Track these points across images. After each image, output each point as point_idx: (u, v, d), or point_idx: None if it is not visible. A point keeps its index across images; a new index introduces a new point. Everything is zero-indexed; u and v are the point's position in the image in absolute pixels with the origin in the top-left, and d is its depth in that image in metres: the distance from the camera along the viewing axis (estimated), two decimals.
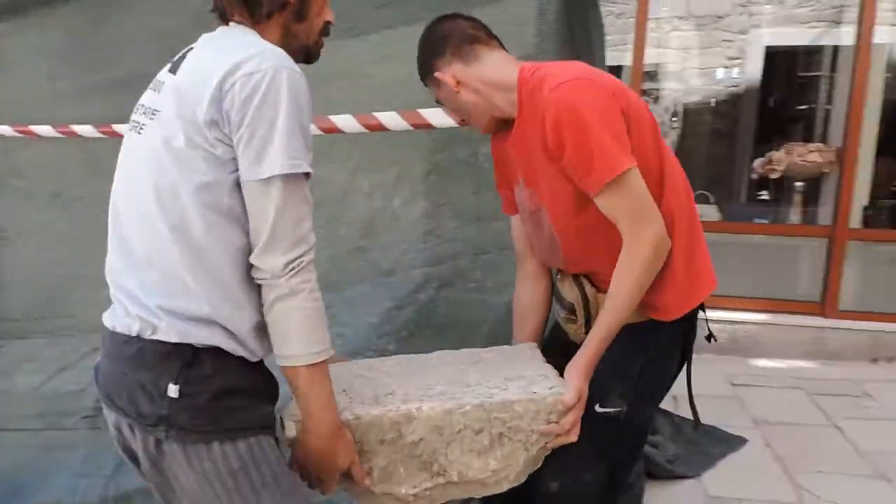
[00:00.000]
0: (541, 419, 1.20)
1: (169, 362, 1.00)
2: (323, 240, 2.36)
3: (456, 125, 2.17)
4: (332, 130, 2.25)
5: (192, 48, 1.09)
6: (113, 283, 1.08)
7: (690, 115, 5.24)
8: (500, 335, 2.27)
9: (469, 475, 1.19)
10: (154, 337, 1.00)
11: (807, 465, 2.61)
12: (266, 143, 0.97)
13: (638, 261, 1.22)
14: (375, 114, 2.21)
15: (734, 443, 2.85)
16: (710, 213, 4.49)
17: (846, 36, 4.62)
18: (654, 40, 5.47)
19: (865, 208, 4.07)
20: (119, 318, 1.04)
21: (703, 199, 4.50)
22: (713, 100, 5.74)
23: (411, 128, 2.23)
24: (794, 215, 4.33)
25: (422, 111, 2.20)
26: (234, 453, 1.01)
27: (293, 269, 0.99)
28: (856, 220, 4.04)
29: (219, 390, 1.01)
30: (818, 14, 5.81)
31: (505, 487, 1.23)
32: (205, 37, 1.11)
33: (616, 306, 1.24)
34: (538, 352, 1.45)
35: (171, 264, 1.00)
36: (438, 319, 2.28)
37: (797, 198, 4.29)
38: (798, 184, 4.28)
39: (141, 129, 1.06)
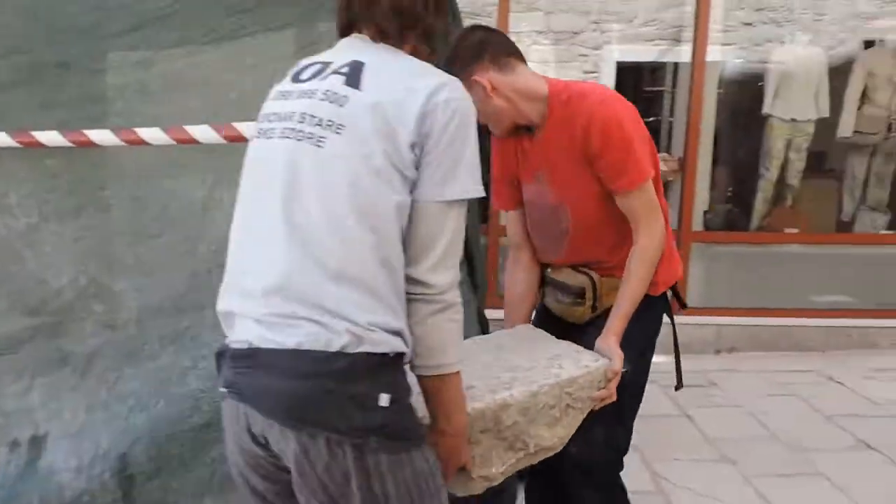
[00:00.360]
0: (594, 387, 1.40)
1: (380, 373, 1.01)
2: (181, 258, 2.25)
3: None
4: (188, 141, 2.12)
5: (358, 61, 1.06)
6: (259, 298, 1.02)
7: None
8: None
9: (543, 444, 1.33)
10: (362, 349, 0.99)
11: (663, 454, 2.80)
12: (456, 167, 1.02)
13: (651, 250, 1.51)
14: (236, 124, 2.11)
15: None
16: None
17: (685, 54, 4.99)
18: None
19: (706, 212, 4.46)
20: (300, 336, 0.98)
21: None
22: None
23: None
24: None
25: None
26: (423, 458, 1.05)
27: (454, 284, 1.06)
28: (698, 223, 4.41)
29: (410, 396, 1.06)
30: (661, 32, 6.27)
31: (560, 448, 1.39)
32: (354, 48, 1.10)
33: (635, 286, 1.50)
34: (542, 331, 1.60)
35: (372, 279, 1.00)
36: None
37: None
38: None
39: (320, 142, 1.01)
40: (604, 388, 1.41)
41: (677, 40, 5.98)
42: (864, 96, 4.47)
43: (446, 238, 1.04)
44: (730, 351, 4.29)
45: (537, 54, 6.52)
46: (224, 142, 2.14)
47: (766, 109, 4.53)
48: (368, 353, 0.99)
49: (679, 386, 1.86)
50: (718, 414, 3.28)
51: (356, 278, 0.99)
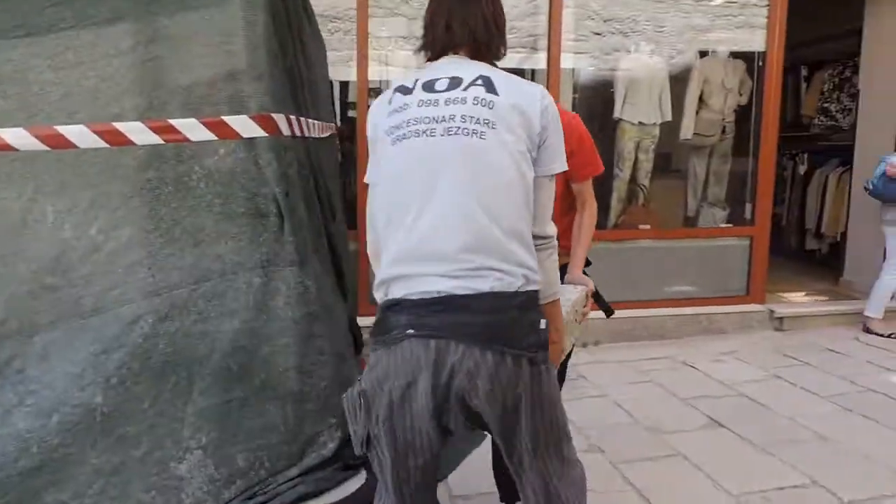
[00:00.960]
0: (581, 305, 1.89)
1: (537, 304, 1.37)
2: None
3: (161, 142, 1.95)
4: (1, 148, 1.88)
5: (483, 75, 1.40)
6: (436, 261, 1.32)
7: None
8: (234, 365, 2.10)
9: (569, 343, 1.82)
10: (529, 288, 1.35)
11: None
12: (557, 150, 1.42)
13: (594, 217, 2.14)
14: (58, 127, 1.89)
15: (475, 439, 3.00)
16: None
17: (542, 61, 5.16)
18: (383, 58, 5.65)
19: None
20: (457, 284, 1.30)
21: None
22: None
23: (106, 145, 1.95)
24: None
25: (118, 125, 1.94)
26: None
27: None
28: None
29: None
30: (520, 40, 6.51)
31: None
32: (463, 64, 1.43)
33: (586, 240, 2.11)
34: None
35: (527, 235, 1.37)
36: (158, 359, 2.03)
37: None
38: None
39: (482, 135, 1.34)
40: (587, 305, 1.93)
41: (534, 48, 6.24)
42: (701, 101, 4.85)
43: (551, 201, 1.44)
44: (596, 344, 4.48)
45: (402, 59, 6.54)
46: (46, 148, 1.91)
47: (616, 114, 4.78)
48: (531, 291, 1.35)
49: (609, 313, 2.34)
50: (587, 405, 3.40)
51: (520, 235, 1.35)
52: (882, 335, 4.45)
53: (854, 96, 5.77)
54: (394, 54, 6.28)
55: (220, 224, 2.03)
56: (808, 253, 6.39)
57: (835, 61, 6.10)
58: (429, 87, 1.39)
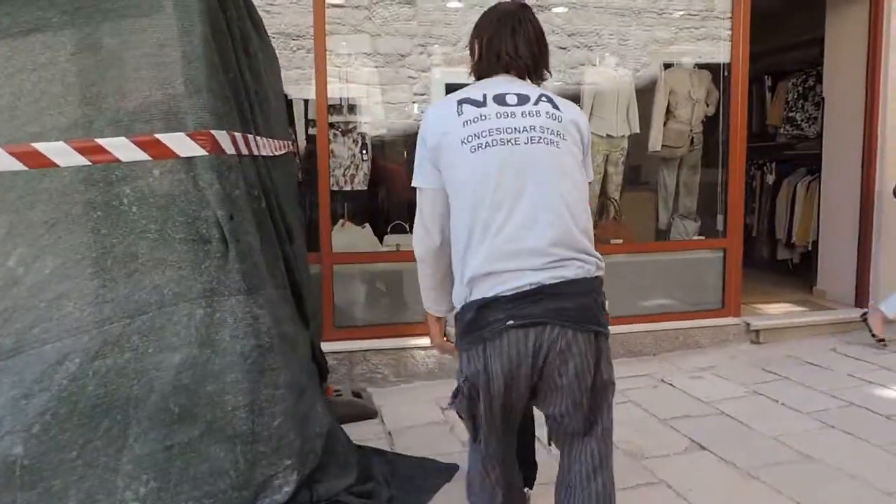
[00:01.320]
0: None
1: (601, 287, 1.62)
2: None
3: (88, 163, 1.77)
4: None
5: (543, 93, 1.62)
6: (526, 257, 1.50)
7: (382, 148, 5.36)
8: (175, 406, 1.90)
9: None
10: (599, 274, 1.61)
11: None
12: (590, 162, 1.69)
13: None
14: None
15: (448, 471, 2.83)
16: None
17: None
18: (346, 75, 5.52)
19: None
20: (547, 275, 1.50)
21: (401, 229, 4.59)
22: (405, 133, 5.96)
23: (25, 167, 1.76)
24: None
25: (38, 146, 1.76)
26: None
27: None
28: None
29: None
30: None
31: None
32: (516, 83, 1.64)
33: None
34: None
35: (591, 230, 1.60)
36: (87, 402, 1.82)
37: None
38: None
39: (558, 145, 1.56)
40: None
41: None
42: (669, 113, 4.80)
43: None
44: None
45: (366, 76, 6.41)
46: None
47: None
48: (601, 276, 1.61)
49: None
50: None
51: (588, 231, 1.58)
52: (873, 335, 4.32)
53: (818, 104, 5.79)
54: (357, 71, 6.15)
55: (156, 251, 1.85)
56: (780, 263, 6.37)
57: (798, 70, 6.12)
58: (501, 100, 1.58)
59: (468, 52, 1.75)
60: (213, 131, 1.88)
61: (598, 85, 4.75)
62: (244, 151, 2.10)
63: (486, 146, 1.52)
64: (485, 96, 1.58)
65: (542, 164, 1.53)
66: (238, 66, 2.18)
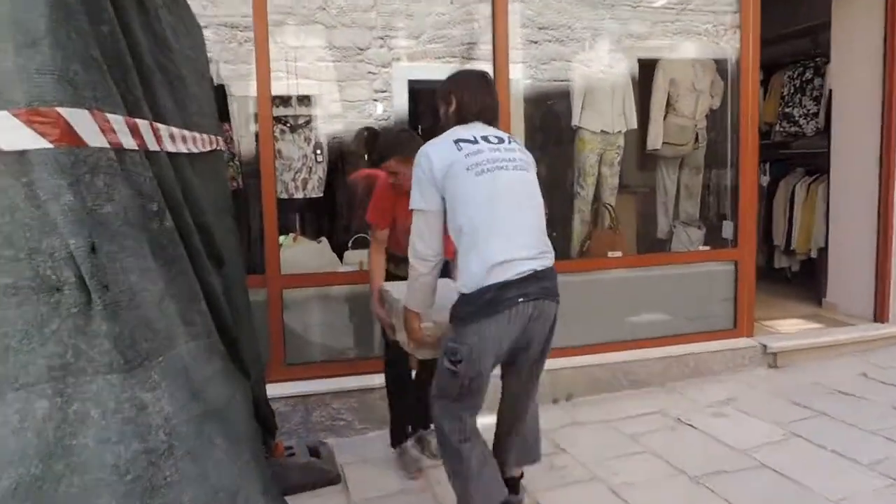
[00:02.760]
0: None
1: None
2: None
3: None
4: None
5: (511, 137, 2.21)
6: (522, 249, 2.03)
7: (340, 150, 4.67)
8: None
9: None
10: (550, 264, 2.10)
11: None
12: None
13: None
14: None
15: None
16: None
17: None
18: (297, 69, 4.88)
19: None
20: (537, 263, 2.04)
21: (364, 243, 3.89)
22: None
23: None
24: None
25: None
26: None
27: None
28: None
29: None
30: (451, 49, 5.82)
31: None
32: (489, 129, 2.18)
33: None
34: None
35: (544, 234, 2.14)
36: None
37: None
38: None
39: (528, 171, 2.16)
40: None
41: (468, 58, 5.56)
42: (669, 106, 4.21)
43: None
44: (568, 398, 3.69)
45: (322, 72, 5.72)
46: None
47: (574, 121, 4.08)
48: (554, 266, 2.14)
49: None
50: (574, 496, 2.59)
51: (543, 235, 2.13)
52: None
53: (818, 99, 5.30)
54: (311, 66, 5.48)
55: None
56: (777, 272, 5.86)
57: (794, 62, 5.62)
58: (487, 140, 2.12)
59: (440, 102, 2.25)
60: (61, 109, 1.15)
61: (590, 75, 4.15)
62: (129, 145, 1.37)
63: (486, 171, 2.05)
64: (475, 137, 2.11)
65: (523, 184, 2.12)
66: (120, 19, 1.44)
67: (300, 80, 4.97)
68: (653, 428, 3.25)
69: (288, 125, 3.56)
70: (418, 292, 2.17)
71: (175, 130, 1.77)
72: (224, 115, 3.72)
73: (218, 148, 2.44)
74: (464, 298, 2.04)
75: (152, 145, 1.53)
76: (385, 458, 3.03)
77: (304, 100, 3.93)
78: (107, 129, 1.27)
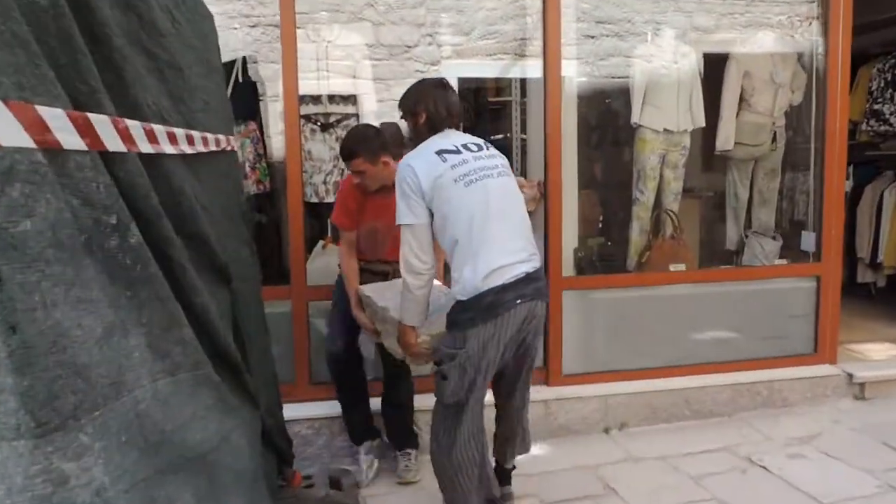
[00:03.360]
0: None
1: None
2: None
3: None
4: None
5: (485, 141, 2.29)
6: (515, 254, 2.11)
7: None
8: None
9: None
10: (539, 265, 2.20)
11: None
12: None
13: None
14: None
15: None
16: None
17: (533, 68, 4.16)
18: (346, 69, 4.71)
19: (576, 250, 3.51)
20: (529, 265, 2.13)
21: None
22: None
23: None
24: None
25: None
26: None
27: None
28: (569, 265, 3.44)
29: None
30: (502, 46, 5.55)
31: None
32: (464, 135, 2.28)
33: None
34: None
35: (532, 236, 2.22)
36: None
37: None
38: None
39: (510, 176, 2.23)
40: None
41: (521, 54, 5.28)
42: (743, 101, 3.76)
43: None
44: (621, 428, 3.31)
45: (369, 70, 5.54)
46: None
47: (634, 119, 3.68)
48: (541, 268, 2.22)
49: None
50: None
51: (530, 238, 2.21)
52: None
53: None
54: (359, 66, 5.32)
55: None
56: (860, 287, 5.27)
57: (884, 54, 5.04)
58: (468, 148, 2.19)
59: (407, 117, 2.30)
60: None
61: (652, 67, 3.75)
62: (73, 144, 1.11)
63: (474, 182, 2.12)
64: (455, 146, 2.18)
65: (509, 190, 2.21)
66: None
67: (346, 79, 4.78)
68: (719, 469, 2.85)
69: (318, 124, 3.30)
70: (414, 307, 2.18)
71: (159, 128, 1.51)
72: (254, 113, 3.51)
73: (230, 148, 2.19)
74: (462, 305, 2.09)
75: (114, 145, 1.27)
76: (414, 490, 2.74)
77: (339, 98, 3.66)
78: (33, 125, 1.01)
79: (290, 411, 2.96)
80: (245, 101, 3.38)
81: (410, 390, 2.93)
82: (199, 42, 1.98)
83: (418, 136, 2.26)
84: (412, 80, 5.75)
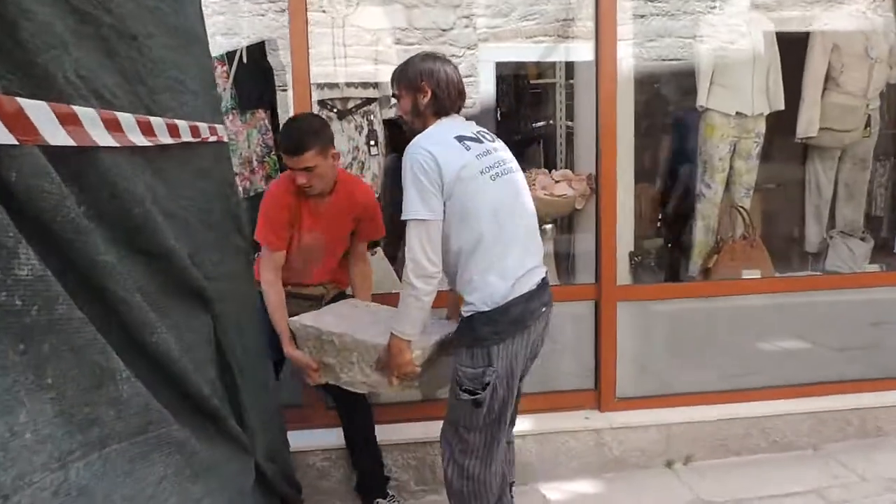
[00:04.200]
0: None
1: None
2: None
3: None
4: None
5: (481, 130, 2.01)
6: (534, 256, 1.98)
7: (402, 143, 4.08)
8: None
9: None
10: (546, 276, 2.02)
11: None
12: None
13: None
14: None
15: None
16: None
17: (578, 51, 3.87)
18: (376, 54, 4.41)
19: (632, 256, 3.05)
20: (543, 269, 1.99)
21: None
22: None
23: None
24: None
25: None
26: None
27: None
28: (623, 272, 2.98)
29: None
30: (544, 28, 5.18)
31: None
32: (469, 123, 2.02)
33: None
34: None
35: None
36: None
37: (546, 246, 3.16)
38: (547, 227, 3.15)
39: (517, 170, 2.00)
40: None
41: (564, 36, 4.88)
42: (830, 80, 3.23)
43: None
44: (685, 461, 2.85)
45: (403, 55, 5.23)
46: None
47: (700, 102, 3.19)
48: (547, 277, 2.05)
49: None
50: None
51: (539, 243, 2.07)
52: None
53: None
54: (390, 50, 4.99)
55: None
56: None
57: None
58: (483, 139, 1.95)
59: (405, 92, 1.98)
60: None
61: (721, 47, 3.26)
62: None
63: (499, 175, 1.90)
64: (473, 134, 1.94)
65: (524, 186, 2.01)
66: None
67: (374, 65, 4.48)
68: None
69: (335, 111, 2.90)
70: (420, 316, 1.88)
71: (86, 111, 1.12)
72: (268, 101, 3.14)
73: (216, 139, 1.79)
74: (484, 317, 1.85)
75: None
76: None
77: (359, 84, 3.26)
78: None
79: (303, 440, 2.61)
80: (258, 87, 3.01)
81: (371, 418, 2.55)
82: (166, 5, 1.58)
83: (417, 118, 1.96)
84: None
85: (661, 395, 2.94)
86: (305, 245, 2.32)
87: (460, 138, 1.87)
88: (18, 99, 0.95)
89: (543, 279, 1.96)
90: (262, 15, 3.98)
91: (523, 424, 2.79)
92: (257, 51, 3.14)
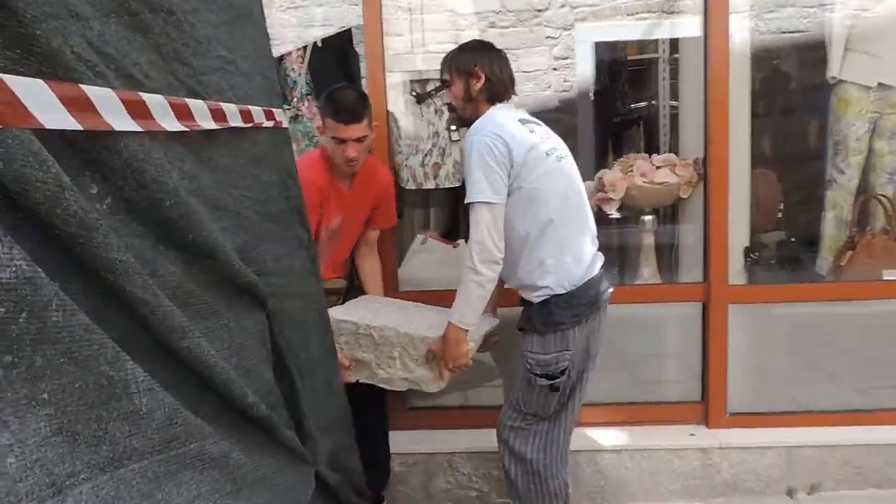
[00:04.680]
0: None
1: None
2: None
3: None
4: None
5: (528, 116, 2.00)
6: (596, 240, 1.99)
7: None
8: None
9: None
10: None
11: None
12: None
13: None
14: None
15: None
16: None
17: (684, 26, 3.62)
18: (455, 38, 4.35)
19: (748, 252, 2.68)
20: (601, 261, 1.96)
21: None
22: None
23: None
24: (645, 269, 2.82)
25: None
26: None
27: None
28: (736, 270, 2.62)
29: None
30: (647, 4, 4.83)
31: None
32: (519, 110, 2.02)
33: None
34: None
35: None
36: None
37: (646, 239, 2.84)
38: (646, 217, 2.84)
39: (570, 157, 1.97)
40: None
41: (670, 11, 4.53)
42: None
43: None
44: (811, 491, 2.48)
45: (496, 39, 5.06)
46: None
47: (832, 73, 2.76)
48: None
49: None
50: None
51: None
52: None
53: None
54: (485, 35, 4.86)
55: None
56: None
57: None
58: (538, 123, 1.98)
59: (457, 77, 1.98)
60: None
61: (857, 13, 2.82)
62: None
63: (561, 158, 1.92)
64: (529, 119, 1.96)
65: (578, 173, 1.99)
66: None
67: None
68: None
69: (414, 94, 2.73)
70: (480, 304, 1.86)
71: (100, 91, 0.99)
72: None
73: (274, 125, 1.66)
74: (560, 300, 1.85)
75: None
76: None
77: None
78: None
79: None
80: (337, 73, 2.91)
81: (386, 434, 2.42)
82: None
83: (468, 104, 1.96)
84: (543, 49, 5.20)
85: (782, 412, 2.58)
86: (332, 232, 2.20)
87: (523, 121, 1.90)
88: (7, 76, 0.82)
89: (602, 266, 1.97)
90: (356, 5, 3.93)
91: (619, 438, 2.54)
92: (338, 37, 3.04)
